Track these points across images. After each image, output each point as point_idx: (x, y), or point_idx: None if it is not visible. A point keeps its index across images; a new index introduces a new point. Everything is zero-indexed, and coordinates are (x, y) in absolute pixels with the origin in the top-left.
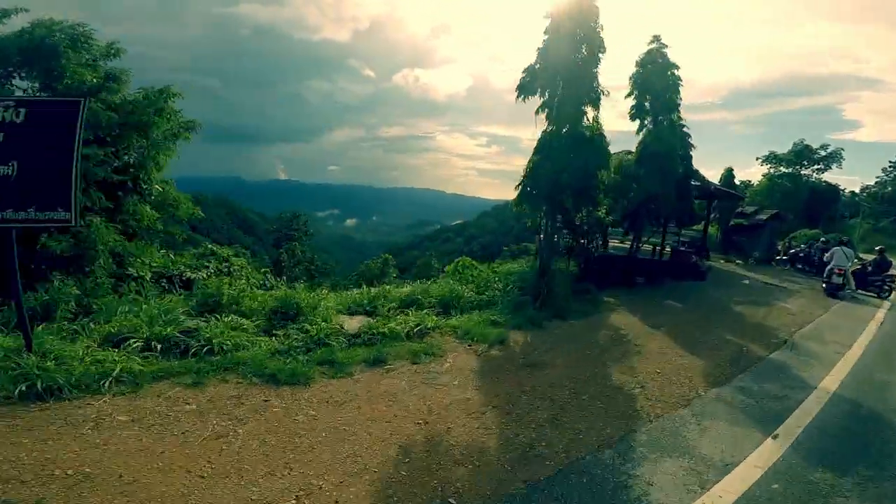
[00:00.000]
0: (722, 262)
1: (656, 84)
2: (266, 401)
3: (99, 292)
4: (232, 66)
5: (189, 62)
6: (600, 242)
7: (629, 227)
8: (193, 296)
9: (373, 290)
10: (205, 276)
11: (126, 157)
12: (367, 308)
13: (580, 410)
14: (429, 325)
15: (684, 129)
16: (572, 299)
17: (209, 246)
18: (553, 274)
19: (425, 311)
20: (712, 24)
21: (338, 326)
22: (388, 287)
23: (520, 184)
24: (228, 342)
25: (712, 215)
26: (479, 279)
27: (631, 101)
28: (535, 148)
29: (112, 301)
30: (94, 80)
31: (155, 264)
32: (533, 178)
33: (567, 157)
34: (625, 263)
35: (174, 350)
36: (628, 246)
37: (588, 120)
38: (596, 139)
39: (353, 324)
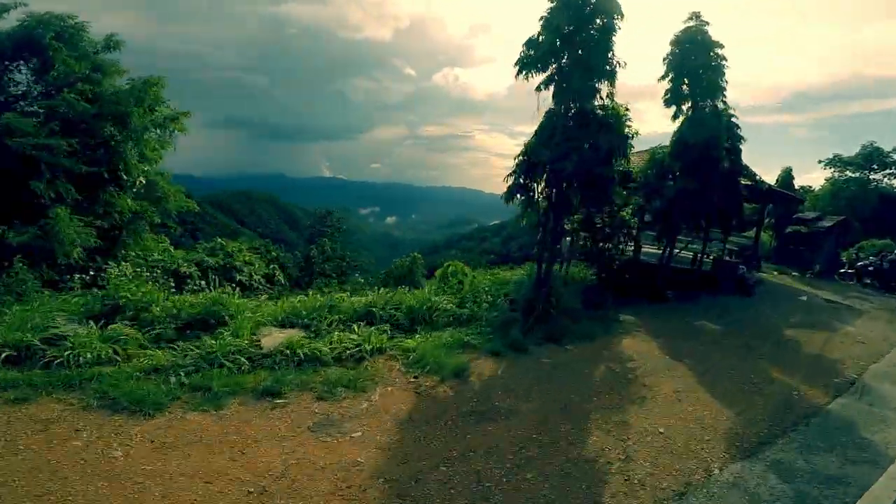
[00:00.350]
0: (775, 274)
1: (695, 64)
2: (77, 430)
3: (22, 287)
4: (279, 65)
5: (239, 61)
6: (625, 247)
7: (661, 231)
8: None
9: (321, 297)
10: (121, 272)
11: (100, 150)
12: (307, 321)
13: (511, 501)
14: (372, 347)
15: (732, 119)
16: (582, 316)
17: (218, 240)
18: (554, 285)
19: (381, 326)
20: (773, 23)
21: (252, 342)
22: (342, 295)
23: (511, 174)
24: (89, 354)
25: (766, 220)
26: (468, 288)
27: (665, 86)
28: (535, 132)
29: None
30: (83, 72)
31: (156, 258)
32: (527, 166)
33: (572, 142)
34: (653, 273)
35: (37, 359)
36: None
37: (601, 98)
38: (610, 120)
39: (274, 340)
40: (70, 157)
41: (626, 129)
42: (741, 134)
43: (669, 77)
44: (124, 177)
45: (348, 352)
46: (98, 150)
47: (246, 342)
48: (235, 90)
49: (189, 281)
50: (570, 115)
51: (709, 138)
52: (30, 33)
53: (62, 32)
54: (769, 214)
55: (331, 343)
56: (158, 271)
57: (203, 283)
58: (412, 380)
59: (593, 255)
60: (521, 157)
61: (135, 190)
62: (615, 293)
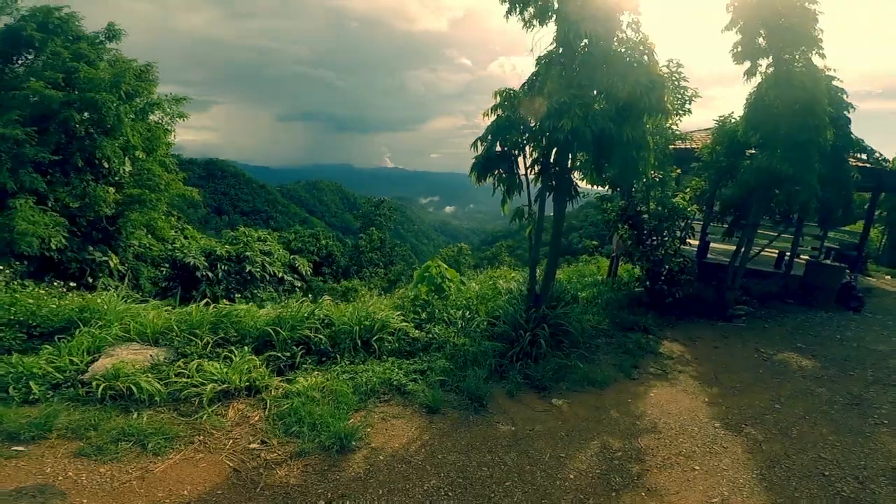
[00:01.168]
0: (888, 279)
1: (776, 6)
2: None
3: None
4: (343, 58)
5: (307, 55)
6: (680, 244)
7: (732, 225)
8: None
9: (211, 308)
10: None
11: (70, 138)
12: (180, 339)
13: None
14: (239, 385)
15: (834, 83)
16: (603, 344)
17: (241, 229)
18: (563, 297)
19: (279, 354)
20: (869, 7)
21: (81, 364)
22: (249, 307)
23: (480, 139)
24: None
25: (876, 212)
26: (452, 299)
27: (732, 37)
28: (525, 82)
29: None
30: (69, 61)
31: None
32: (506, 127)
33: (574, 89)
34: (720, 279)
35: None
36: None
37: (622, 31)
38: (635, 59)
39: (110, 362)
40: (39, 146)
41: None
42: (848, 101)
43: (738, 26)
44: (105, 165)
45: (196, 389)
46: (69, 139)
47: (71, 363)
48: (304, 84)
49: (198, 272)
50: (576, 53)
51: (803, 101)
52: (18, 29)
53: (46, 23)
54: (881, 205)
55: (182, 374)
56: (144, 264)
57: (210, 274)
58: (255, 445)
59: (637, 254)
60: (497, 115)
61: (117, 178)
62: (663, 306)
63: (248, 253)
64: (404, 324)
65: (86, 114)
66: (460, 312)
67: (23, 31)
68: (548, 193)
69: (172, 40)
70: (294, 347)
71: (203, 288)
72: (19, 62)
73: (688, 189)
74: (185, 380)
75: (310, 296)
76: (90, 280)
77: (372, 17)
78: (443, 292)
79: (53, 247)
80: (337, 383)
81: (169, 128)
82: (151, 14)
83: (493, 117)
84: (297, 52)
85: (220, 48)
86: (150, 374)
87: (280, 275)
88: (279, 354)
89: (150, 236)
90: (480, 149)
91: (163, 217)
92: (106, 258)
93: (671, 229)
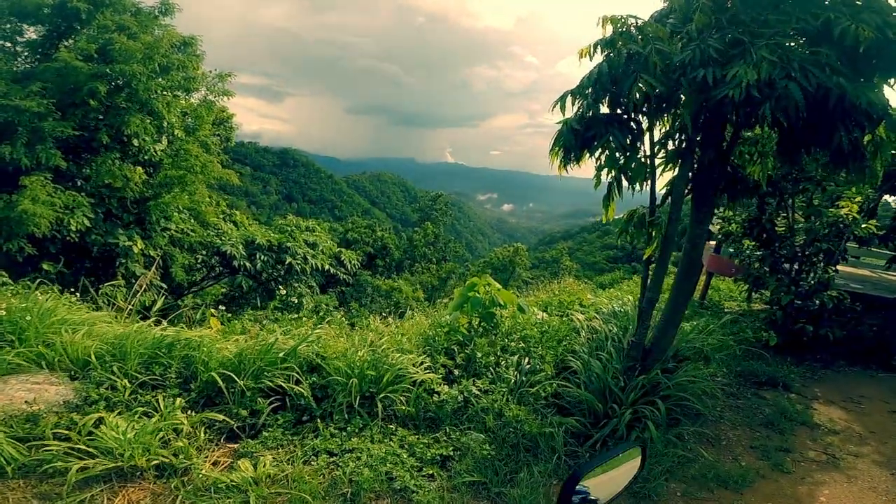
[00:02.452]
0: None
1: None
2: None
3: None
4: (409, 53)
5: (375, 49)
6: (831, 272)
7: None
8: None
9: (155, 332)
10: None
11: (97, 113)
12: (101, 374)
13: None
14: (113, 466)
15: None
16: (727, 406)
17: (290, 217)
18: (681, 350)
19: (232, 409)
20: None
21: None
22: (195, 334)
23: (571, 93)
24: None
25: None
26: (503, 331)
27: None
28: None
29: None
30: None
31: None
32: (621, 72)
33: (755, 26)
34: (883, 316)
35: None
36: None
37: None
38: None
39: None
40: (63, 121)
41: None
42: None
43: None
44: (134, 143)
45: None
46: (95, 114)
47: None
48: (373, 78)
49: (235, 262)
50: None
51: None
52: (66, 1)
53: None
54: None
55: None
56: (180, 251)
57: (248, 264)
58: None
59: (771, 283)
60: (607, 55)
61: (147, 157)
62: (799, 349)
63: (289, 244)
64: (429, 374)
65: (115, 86)
66: (514, 359)
67: (68, 3)
68: (686, 189)
69: (252, 33)
70: (260, 400)
71: (239, 280)
72: (72, 38)
73: (857, 196)
74: (61, 444)
75: (330, 311)
76: (120, 266)
77: (438, 14)
78: (492, 321)
79: (74, 229)
80: (304, 473)
81: (212, 107)
82: (232, 5)
83: (598, 58)
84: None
85: (296, 41)
86: (18, 427)
87: (325, 267)
88: (235, 410)
89: (193, 220)
90: (572, 109)
91: (207, 200)
92: (131, 243)
93: (827, 252)
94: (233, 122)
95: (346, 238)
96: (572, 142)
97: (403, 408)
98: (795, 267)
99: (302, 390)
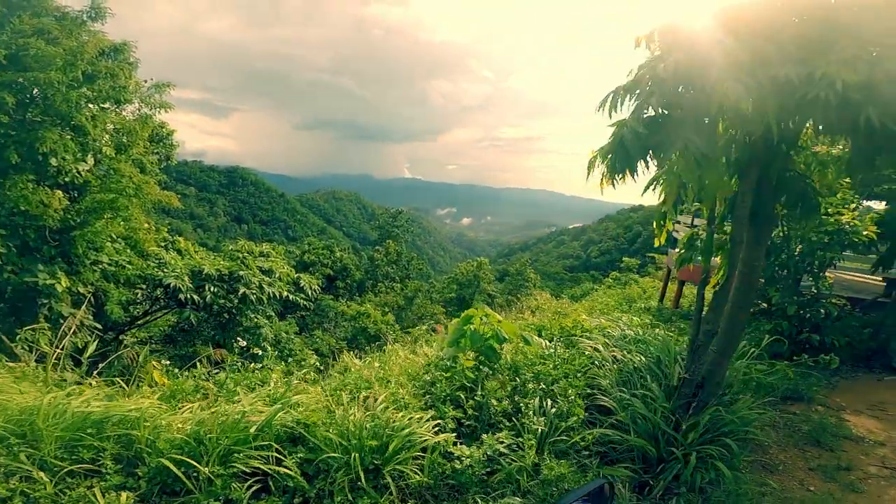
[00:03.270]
0: None
1: None
2: None
3: None
4: (365, 67)
5: (329, 64)
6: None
7: (893, 248)
8: None
9: (76, 403)
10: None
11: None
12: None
13: None
14: None
15: None
16: (762, 421)
17: (240, 242)
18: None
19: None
20: None
21: None
22: (135, 407)
23: (623, 89)
24: None
25: None
26: (507, 373)
27: None
28: None
29: None
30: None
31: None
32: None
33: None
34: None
35: None
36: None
37: None
38: None
39: None
40: None
41: None
42: None
43: None
44: (52, 162)
45: None
46: (3, 129)
47: None
48: (326, 92)
49: (181, 295)
50: None
51: None
52: None
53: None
54: None
55: None
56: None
57: (197, 297)
58: None
59: (771, 293)
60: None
61: (68, 180)
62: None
63: (242, 272)
64: (442, 435)
65: (29, 97)
66: (535, 403)
67: None
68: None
69: (194, 46)
70: (235, 486)
71: (188, 314)
72: None
73: (851, 203)
74: None
75: (296, 353)
76: (42, 307)
77: (395, 27)
78: (494, 357)
79: None
80: None
81: (148, 121)
82: (172, 17)
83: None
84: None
85: (242, 54)
86: None
87: (284, 294)
88: (205, 502)
89: (129, 251)
90: (625, 107)
91: (145, 227)
92: (54, 281)
93: (822, 260)
94: (174, 138)
95: (302, 260)
96: (636, 148)
97: (417, 478)
98: (795, 276)
99: (288, 470)
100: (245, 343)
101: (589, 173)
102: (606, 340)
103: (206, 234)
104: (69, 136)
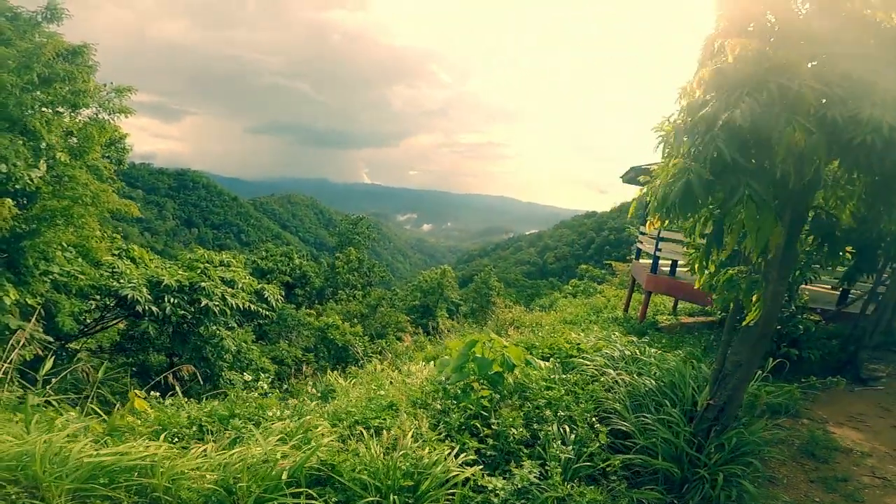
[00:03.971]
0: None
1: None
2: None
3: None
4: (322, 71)
5: (285, 67)
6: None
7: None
8: None
9: (78, 447)
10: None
11: None
12: None
13: None
14: None
15: None
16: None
17: (199, 251)
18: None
19: None
20: None
21: None
22: (150, 451)
23: (687, 112)
24: None
25: None
26: (505, 391)
27: None
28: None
29: None
30: None
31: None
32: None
33: None
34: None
35: None
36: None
37: None
38: None
39: None
40: None
41: None
42: None
43: None
44: (1, 169)
45: None
46: None
47: None
48: (281, 96)
49: (138, 307)
50: None
51: None
52: None
53: None
54: None
55: None
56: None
57: (155, 308)
58: None
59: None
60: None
61: (19, 187)
62: (776, 369)
63: (203, 283)
64: (472, 469)
65: None
66: (554, 429)
67: None
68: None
69: (146, 48)
70: None
71: (145, 325)
72: None
73: None
74: None
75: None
76: None
77: (354, 32)
78: (500, 383)
79: None
80: None
81: (105, 126)
82: (124, 19)
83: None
84: (274, 63)
85: (196, 57)
86: None
87: (245, 306)
88: None
89: (81, 260)
90: (690, 135)
91: (98, 235)
92: (1, 293)
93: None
94: (125, 142)
95: (260, 268)
96: (703, 194)
97: None
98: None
99: None
100: (250, 378)
101: (649, 219)
102: (606, 361)
103: (153, 237)
104: (21, 141)
